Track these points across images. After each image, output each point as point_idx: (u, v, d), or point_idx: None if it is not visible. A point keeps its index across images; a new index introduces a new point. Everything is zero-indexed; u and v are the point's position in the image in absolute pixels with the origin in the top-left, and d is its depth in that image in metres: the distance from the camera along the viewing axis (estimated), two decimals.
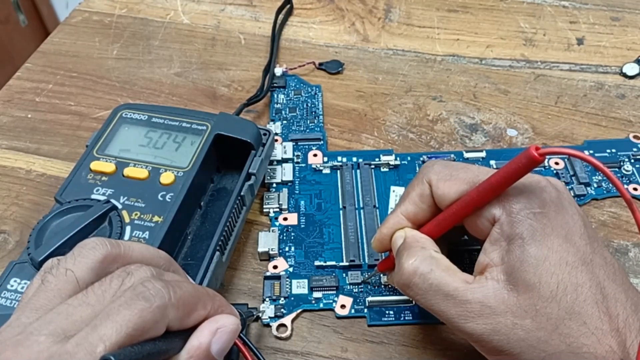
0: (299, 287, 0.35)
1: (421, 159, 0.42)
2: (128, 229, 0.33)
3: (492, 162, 0.42)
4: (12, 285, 0.30)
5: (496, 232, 0.27)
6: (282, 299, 0.35)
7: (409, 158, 0.42)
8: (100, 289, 0.22)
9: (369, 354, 0.33)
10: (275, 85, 0.48)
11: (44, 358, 0.20)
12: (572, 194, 0.39)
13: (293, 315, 0.34)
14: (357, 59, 0.51)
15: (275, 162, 0.42)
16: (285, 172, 0.41)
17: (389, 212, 0.39)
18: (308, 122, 0.45)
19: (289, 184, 0.41)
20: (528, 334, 0.25)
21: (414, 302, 0.34)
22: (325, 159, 0.42)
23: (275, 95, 0.47)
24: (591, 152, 0.42)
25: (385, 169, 0.42)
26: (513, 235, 0.26)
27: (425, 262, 0.28)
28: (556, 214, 0.27)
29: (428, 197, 0.30)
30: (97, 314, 0.21)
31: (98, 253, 0.23)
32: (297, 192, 0.40)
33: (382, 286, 0.35)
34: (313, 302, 0.35)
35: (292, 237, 0.38)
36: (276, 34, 0.53)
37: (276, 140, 0.43)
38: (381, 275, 0.35)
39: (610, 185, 0.40)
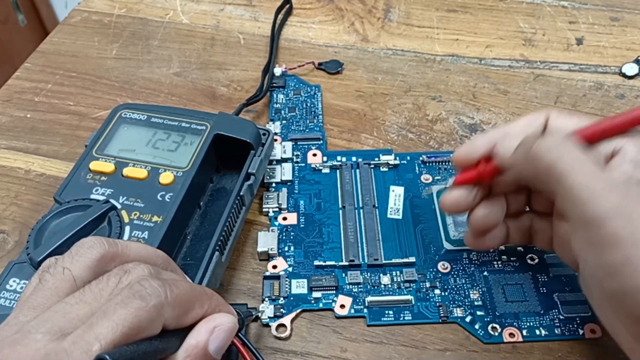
0: (299, 287, 0.35)
1: (420, 158, 0.42)
2: (127, 228, 0.33)
3: None
4: (11, 285, 0.30)
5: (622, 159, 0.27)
6: (282, 298, 0.35)
7: (408, 158, 0.42)
8: (97, 287, 0.22)
9: (369, 354, 0.33)
10: (274, 85, 0.48)
11: (41, 356, 0.20)
12: None
13: (292, 315, 0.34)
14: (356, 59, 0.51)
15: (274, 162, 0.42)
16: (284, 172, 0.41)
17: (388, 212, 0.39)
18: (307, 121, 0.45)
19: (289, 183, 0.41)
20: None
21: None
22: (325, 158, 0.42)
23: (275, 95, 0.47)
24: None
25: (385, 169, 0.41)
26: None
27: (568, 136, 0.28)
28: None
29: (538, 126, 0.31)
30: (94, 312, 0.21)
31: (95, 252, 0.23)
32: (296, 191, 0.40)
33: (382, 286, 0.35)
34: (312, 302, 0.35)
35: (292, 237, 0.38)
36: (275, 34, 0.53)
37: (275, 140, 0.43)
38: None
39: None
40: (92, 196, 0.34)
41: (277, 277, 0.36)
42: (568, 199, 0.26)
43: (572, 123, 0.30)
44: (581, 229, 0.26)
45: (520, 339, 0.33)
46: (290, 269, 0.36)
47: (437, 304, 0.34)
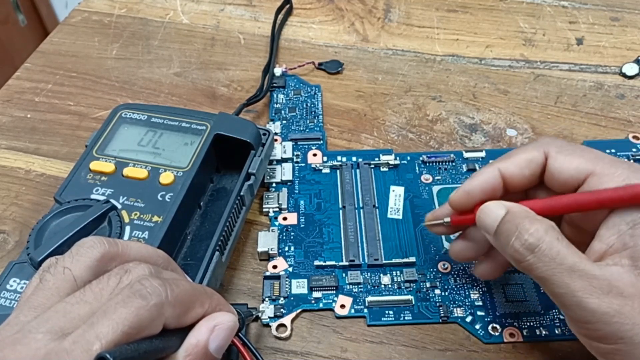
0: (299, 287, 0.35)
1: (421, 158, 0.42)
2: (127, 229, 0.33)
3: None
4: (11, 286, 0.30)
5: (617, 216, 0.26)
6: (282, 298, 0.35)
7: (408, 158, 0.42)
8: (97, 287, 0.22)
9: (369, 354, 0.33)
10: (274, 85, 0.48)
11: (42, 355, 0.20)
12: None
13: (293, 315, 0.34)
14: (356, 59, 0.51)
15: (274, 162, 0.42)
16: (284, 172, 0.41)
17: (388, 212, 0.39)
18: (307, 121, 0.45)
19: (289, 183, 0.41)
20: None
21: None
22: (325, 158, 0.42)
23: (275, 95, 0.47)
24: None
25: (385, 169, 0.41)
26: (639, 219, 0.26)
27: (551, 230, 0.26)
28: None
29: (536, 166, 0.29)
30: (95, 312, 0.21)
31: (96, 251, 0.23)
32: (296, 191, 0.40)
33: (382, 286, 0.35)
34: (313, 302, 0.35)
35: (292, 237, 0.38)
36: (276, 34, 0.53)
37: (276, 140, 0.43)
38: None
39: None
40: (93, 196, 0.34)
41: (277, 277, 0.36)
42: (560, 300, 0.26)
43: (574, 164, 0.28)
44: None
45: (521, 339, 0.33)
46: (290, 269, 0.36)
47: (438, 304, 0.34)
